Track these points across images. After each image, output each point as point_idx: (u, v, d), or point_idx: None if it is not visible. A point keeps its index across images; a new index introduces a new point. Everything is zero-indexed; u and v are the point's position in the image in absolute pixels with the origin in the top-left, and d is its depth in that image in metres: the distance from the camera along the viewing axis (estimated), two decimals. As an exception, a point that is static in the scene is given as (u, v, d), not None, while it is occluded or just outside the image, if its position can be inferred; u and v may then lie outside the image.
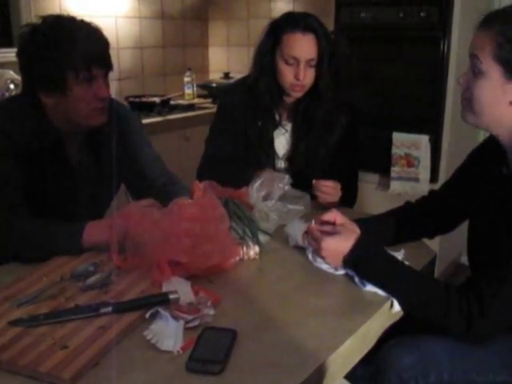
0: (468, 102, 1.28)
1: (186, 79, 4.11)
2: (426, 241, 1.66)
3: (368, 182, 3.14)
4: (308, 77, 1.93)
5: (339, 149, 2.03)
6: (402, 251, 1.46)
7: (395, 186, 3.07)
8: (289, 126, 2.08)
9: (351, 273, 1.36)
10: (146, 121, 3.28)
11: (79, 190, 1.72)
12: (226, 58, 4.48)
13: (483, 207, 1.40)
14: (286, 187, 1.64)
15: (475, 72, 1.25)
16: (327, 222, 1.44)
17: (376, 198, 3.16)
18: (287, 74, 1.92)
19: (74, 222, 1.51)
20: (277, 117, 2.05)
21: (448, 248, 2.96)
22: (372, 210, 3.08)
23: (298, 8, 3.91)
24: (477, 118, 1.29)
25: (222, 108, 2.12)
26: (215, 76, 4.40)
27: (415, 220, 1.62)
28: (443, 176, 2.99)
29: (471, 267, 1.48)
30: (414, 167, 2.99)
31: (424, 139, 2.93)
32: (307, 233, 1.47)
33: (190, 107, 3.80)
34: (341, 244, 1.34)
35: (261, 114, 2.02)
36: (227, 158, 1.99)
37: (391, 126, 3.03)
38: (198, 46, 4.49)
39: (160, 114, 3.49)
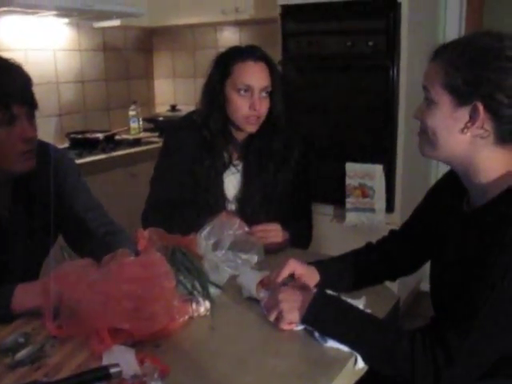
0: (424, 135, 1.25)
1: (131, 113, 3.99)
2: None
3: (323, 214, 3.07)
4: (263, 107, 1.84)
5: (292, 187, 1.93)
6: (364, 298, 1.36)
7: (351, 217, 3.00)
8: (240, 166, 1.96)
9: (310, 328, 1.25)
10: (89, 159, 3.17)
11: (11, 243, 1.56)
12: (173, 90, 4.38)
13: (445, 247, 1.32)
14: (237, 232, 1.52)
15: (428, 103, 1.22)
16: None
17: (332, 231, 3.10)
18: (241, 106, 1.82)
19: (6, 279, 1.36)
20: (226, 156, 1.94)
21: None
22: (328, 243, 3.07)
23: (245, 38, 3.86)
24: (433, 151, 1.24)
25: (166, 146, 1.98)
26: (162, 109, 4.30)
27: (376, 262, 1.53)
28: (399, 205, 2.94)
29: (434, 307, 1.40)
30: (369, 197, 2.92)
31: (378, 169, 2.88)
32: (262, 284, 1.38)
33: (136, 142, 3.67)
34: (299, 298, 1.26)
35: (209, 153, 1.90)
36: (173, 201, 1.86)
37: (344, 156, 2.97)
38: (143, 78, 4.39)
39: (104, 150, 3.34)
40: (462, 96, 1.16)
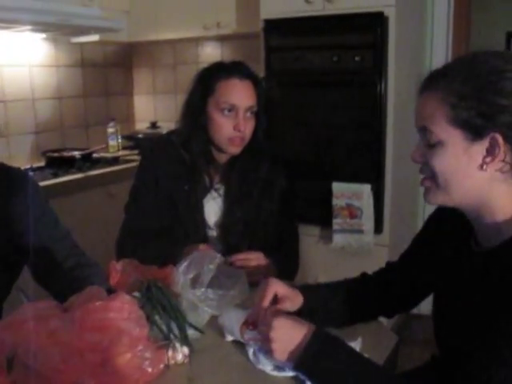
0: (431, 181, 1.09)
1: (110, 130, 3.85)
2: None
3: (308, 236, 2.95)
4: (248, 127, 1.73)
5: (278, 214, 1.81)
6: (360, 341, 1.23)
7: (338, 238, 2.87)
8: (221, 190, 1.83)
9: (302, 376, 1.11)
10: (64, 178, 3.04)
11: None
12: (153, 107, 4.25)
13: (451, 284, 1.20)
14: (219, 266, 1.38)
15: (431, 145, 1.07)
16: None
17: (318, 253, 2.99)
18: (225, 126, 1.71)
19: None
20: (207, 179, 1.81)
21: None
22: (314, 266, 2.97)
23: (227, 53, 3.76)
24: (446, 196, 1.08)
25: (142, 169, 1.85)
26: (141, 126, 4.17)
27: (372, 295, 1.41)
28: (388, 226, 2.83)
29: (439, 346, 1.27)
30: (356, 218, 2.80)
31: (366, 188, 2.76)
32: (246, 323, 1.24)
33: (115, 161, 3.53)
34: (292, 325, 1.13)
35: (189, 176, 1.77)
36: (150, 228, 1.73)
37: (330, 175, 2.85)
38: (122, 94, 4.26)
39: (81, 169, 3.20)
40: (476, 130, 1.01)
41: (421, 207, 3.26)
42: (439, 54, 3.05)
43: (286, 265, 1.75)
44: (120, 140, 3.89)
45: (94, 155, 3.54)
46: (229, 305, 1.33)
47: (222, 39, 3.72)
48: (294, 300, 1.30)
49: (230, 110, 1.70)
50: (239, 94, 1.70)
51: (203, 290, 1.30)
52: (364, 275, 1.48)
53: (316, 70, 2.83)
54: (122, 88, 4.24)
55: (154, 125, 3.96)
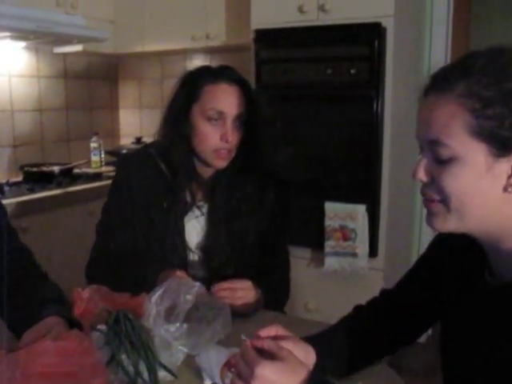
0: (440, 204, 0.91)
1: (93, 145, 3.69)
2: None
3: (299, 258, 2.78)
4: (236, 138, 1.56)
5: (267, 236, 1.64)
6: (361, 386, 1.06)
7: (330, 262, 2.71)
8: (205, 208, 1.65)
9: None
10: (42, 194, 2.88)
11: None
12: (139, 121, 4.10)
13: (460, 317, 1.04)
14: (197, 296, 1.21)
15: (442, 160, 0.88)
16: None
17: (309, 276, 2.83)
18: (211, 136, 1.53)
19: None
20: (189, 196, 1.63)
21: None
22: (304, 291, 2.79)
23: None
24: (460, 222, 0.90)
25: (116, 185, 1.67)
26: (126, 141, 4.00)
27: (372, 334, 1.22)
28: (383, 249, 2.68)
29: (446, 379, 1.10)
30: (350, 241, 2.65)
31: (360, 209, 2.61)
32: (228, 365, 1.06)
33: (97, 177, 3.37)
34: (284, 376, 0.90)
35: (168, 192, 1.60)
36: (124, 251, 1.56)
37: (323, 195, 2.71)
38: (107, 108, 4.10)
39: (60, 185, 3.04)
40: (503, 143, 0.84)
41: (417, 230, 3.11)
42: (439, 65, 2.91)
43: (276, 294, 1.57)
44: (103, 155, 3.73)
45: (75, 171, 3.39)
46: (208, 342, 1.15)
47: (211, 51, 3.58)
48: (306, 357, 1.06)
49: (216, 119, 1.53)
50: (228, 100, 1.53)
51: (178, 324, 1.12)
52: (357, 310, 1.29)
53: (309, 84, 2.70)
54: (106, 101, 4.09)
55: (139, 140, 3.80)
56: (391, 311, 1.25)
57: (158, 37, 3.50)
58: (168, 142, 1.58)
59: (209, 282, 1.56)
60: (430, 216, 0.93)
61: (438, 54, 2.95)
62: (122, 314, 1.22)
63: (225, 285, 1.41)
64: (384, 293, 1.31)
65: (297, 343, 1.05)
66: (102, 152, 3.72)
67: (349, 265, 2.67)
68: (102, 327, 1.16)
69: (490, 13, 3.69)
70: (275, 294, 1.56)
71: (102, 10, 3.58)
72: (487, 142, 0.84)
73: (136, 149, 1.86)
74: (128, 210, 1.59)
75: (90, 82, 3.93)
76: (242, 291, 1.43)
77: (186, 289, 1.17)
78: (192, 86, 1.56)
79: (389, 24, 2.49)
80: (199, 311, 1.20)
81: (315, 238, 2.74)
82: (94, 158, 3.69)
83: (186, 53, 3.72)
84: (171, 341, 1.08)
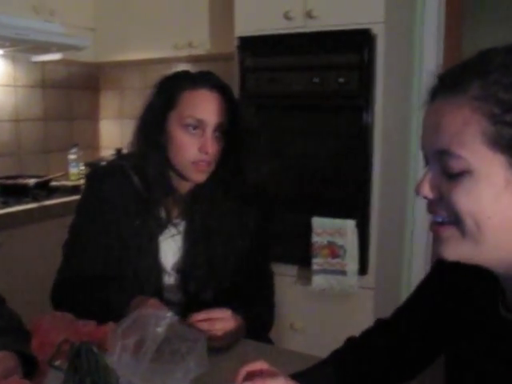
0: (454, 228, 0.77)
1: (72, 157, 3.57)
2: None
3: (285, 276, 2.67)
4: (217, 150, 1.43)
5: (250, 255, 1.51)
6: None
7: (318, 280, 2.59)
8: (182, 226, 1.52)
9: None
10: (16, 208, 2.75)
11: None
12: (120, 133, 3.96)
13: (470, 354, 0.91)
14: (170, 321, 1.07)
15: (453, 174, 0.76)
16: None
17: (295, 295, 2.71)
18: (189, 146, 1.40)
19: None
20: (164, 213, 1.50)
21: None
22: (290, 310, 2.66)
23: (199, 75, 3.51)
24: (475, 249, 0.77)
25: (85, 200, 1.54)
26: (107, 153, 3.87)
27: (366, 370, 1.09)
28: (373, 267, 2.56)
29: None
30: (339, 258, 2.53)
31: (350, 225, 2.49)
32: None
33: (75, 190, 3.22)
34: None
35: (142, 208, 1.46)
36: (92, 273, 1.42)
37: (310, 209, 2.59)
38: (87, 118, 3.97)
39: (36, 198, 2.91)
40: None
41: (409, 246, 2.99)
42: (429, 77, 2.81)
43: (260, 320, 1.44)
44: (82, 167, 3.60)
45: (53, 183, 3.25)
46: (182, 381, 1.01)
47: (194, 60, 3.47)
48: None
49: (195, 128, 1.40)
50: (208, 108, 1.40)
51: (146, 362, 0.98)
52: (350, 342, 1.16)
53: (295, 93, 2.59)
54: (86, 112, 3.96)
55: (119, 152, 3.66)
56: (388, 344, 1.12)
57: (140, 45, 3.39)
58: (141, 153, 1.45)
59: (185, 306, 1.44)
60: (440, 243, 0.80)
61: (430, 61, 2.84)
62: (85, 347, 1.08)
63: (201, 315, 1.27)
64: (380, 323, 1.18)
65: (286, 382, 0.94)
66: (81, 164, 3.60)
67: (337, 283, 2.55)
68: (62, 363, 1.03)
69: (482, 19, 3.64)
70: (259, 321, 1.43)
71: (81, 18, 3.46)
72: (507, 153, 0.72)
73: (108, 161, 1.71)
74: (97, 229, 1.46)
75: (70, 91, 3.81)
76: (222, 322, 1.29)
77: (156, 320, 1.03)
78: (169, 91, 1.43)
79: (379, 31, 2.39)
80: (171, 344, 1.06)
81: (302, 254, 2.62)
82: (73, 171, 3.57)
83: (168, 62, 3.60)
84: (138, 382, 0.95)
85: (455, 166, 0.75)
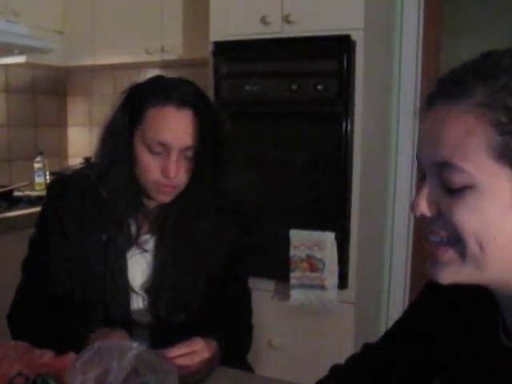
0: (453, 251, 0.70)
1: (37, 165, 3.44)
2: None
3: (262, 291, 2.55)
4: (182, 173, 1.29)
5: (225, 275, 1.39)
6: None
7: (296, 295, 2.49)
8: (151, 242, 1.39)
9: None
10: (-24, 220, 2.60)
11: None
12: (88, 140, 3.82)
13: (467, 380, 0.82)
14: (136, 352, 0.95)
15: (454, 189, 0.68)
16: None
17: (272, 311, 2.60)
18: (151, 168, 1.27)
19: None
20: (133, 228, 1.37)
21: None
22: (267, 327, 2.55)
23: (172, 81, 3.40)
24: (477, 272, 0.69)
25: (45, 214, 1.40)
26: (75, 161, 3.73)
27: None
28: (353, 280, 2.48)
29: None
30: (318, 272, 2.43)
31: (329, 237, 2.40)
32: None
33: (40, 200, 3.06)
34: None
35: (108, 222, 1.34)
36: (53, 295, 1.30)
37: (287, 221, 2.49)
38: (54, 125, 3.83)
39: (-3, 210, 2.76)
40: None
41: (387, 259, 2.91)
42: (408, 84, 2.74)
43: (236, 343, 1.33)
44: (48, 177, 3.46)
45: (16, 193, 3.11)
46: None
47: (166, 66, 3.36)
48: None
49: (159, 149, 1.26)
50: (174, 129, 1.26)
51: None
52: (336, 372, 1.06)
53: (272, 100, 2.49)
54: (53, 118, 3.82)
55: (88, 160, 3.53)
56: (376, 371, 1.03)
57: (110, 49, 3.27)
58: (106, 165, 1.32)
59: (155, 329, 1.32)
60: (436, 266, 0.72)
61: (409, 69, 2.77)
62: (41, 380, 0.97)
63: (178, 350, 1.15)
64: (367, 349, 1.08)
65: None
66: (47, 173, 3.46)
67: (316, 298, 2.45)
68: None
69: (461, 26, 3.62)
70: (234, 345, 1.32)
71: (49, 20, 3.32)
72: None
73: (71, 170, 1.58)
74: (58, 245, 1.33)
75: (35, 96, 3.66)
76: (199, 354, 1.17)
77: (121, 350, 0.91)
78: (135, 105, 1.29)
79: (358, 37, 2.31)
80: (140, 376, 0.94)
81: (279, 268, 2.52)
82: (38, 180, 3.44)
83: (139, 67, 3.50)
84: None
85: (457, 180, 0.67)
